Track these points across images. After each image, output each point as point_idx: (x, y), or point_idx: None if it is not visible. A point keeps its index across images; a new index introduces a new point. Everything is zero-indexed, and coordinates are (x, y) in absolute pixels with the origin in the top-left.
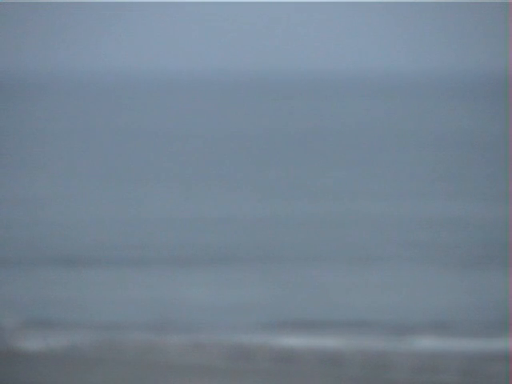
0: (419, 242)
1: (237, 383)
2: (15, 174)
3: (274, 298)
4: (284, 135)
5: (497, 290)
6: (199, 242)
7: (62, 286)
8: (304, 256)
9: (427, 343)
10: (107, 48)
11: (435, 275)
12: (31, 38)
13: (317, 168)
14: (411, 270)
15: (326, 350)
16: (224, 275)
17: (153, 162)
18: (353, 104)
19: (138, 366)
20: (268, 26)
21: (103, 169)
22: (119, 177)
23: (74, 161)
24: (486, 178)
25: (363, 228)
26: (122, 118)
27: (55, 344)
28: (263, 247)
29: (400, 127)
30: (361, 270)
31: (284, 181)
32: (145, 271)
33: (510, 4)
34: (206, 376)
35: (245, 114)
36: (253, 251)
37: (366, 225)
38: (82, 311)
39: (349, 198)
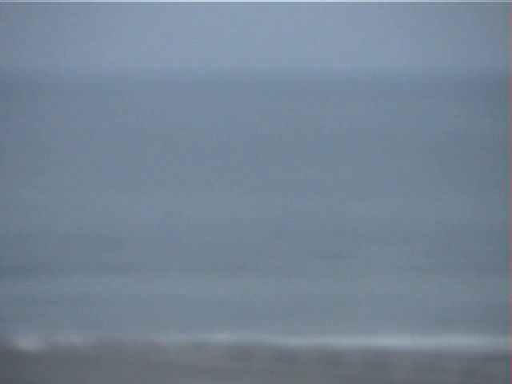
0: (417, 243)
1: (237, 383)
2: (15, 176)
3: (275, 298)
4: (285, 135)
5: (497, 290)
6: (198, 244)
7: (64, 289)
8: (305, 257)
9: (427, 343)
10: (107, 48)
11: (434, 276)
12: (31, 38)
13: (316, 168)
14: (410, 270)
15: (325, 350)
16: (226, 276)
17: (152, 163)
18: (353, 104)
19: (138, 366)
20: (268, 26)
21: (103, 171)
22: (119, 178)
23: (75, 163)
24: (486, 178)
25: (362, 229)
26: (122, 118)
27: (55, 344)
28: (264, 248)
29: (399, 127)
30: (356, 272)
31: (284, 181)
32: (144, 274)
33: (510, 4)
34: (206, 376)
35: (244, 113)
36: (254, 252)
37: (364, 226)
38: (82, 312)
39: (349, 198)
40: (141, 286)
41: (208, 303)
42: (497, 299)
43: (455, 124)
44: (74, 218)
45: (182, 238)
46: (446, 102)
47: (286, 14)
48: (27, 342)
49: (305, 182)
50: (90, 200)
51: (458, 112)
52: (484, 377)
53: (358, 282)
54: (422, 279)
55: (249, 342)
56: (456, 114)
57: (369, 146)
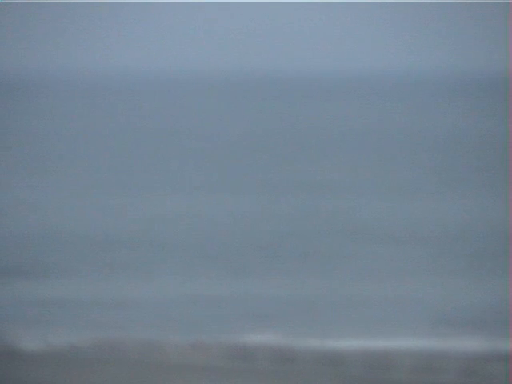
0: (417, 244)
1: (237, 383)
2: (15, 176)
3: (275, 299)
4: (285, 135)
5: (497, 291)
6: (198, 244)
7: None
8: (306, 258)
9: (428, 344)
10: (107, 48)
11: (434, 276)
12: (31, 38)
13: (317, 168)
14: (409, 269)
15: (326, 350)
16: (227, 277)
17: (153, 163)
18: (353, 104)
19: (138, 366)
20: (268, 26)
21: (103, 171)
22: (119, 179)
23: (75, 163)
24: (486, 178)
25: (362, 230)
26: (122, 118)
27: (55, 344)
28: (264, 248)
29: (399, 127)
30: (359, 275)
31: (285, 181)
32: (145, 275)
33: (510, 4)
34: (206, 376)
35: (244, 113)
36: (254, 253)
37: (365, 226)
38: (82, 312)
39: (350, 198)
40: (141, 286)
41: (208, 303)
42: (497, 300)
43: (455, 124)
44: (74, 219)
45: (182, 239)
46: (446, 102)
47: (286, 14)
48: (27, 342)
49: (306, 182)
50: (90, 201)
51: (458, 112)
52: (484, 377)
53: (358, 283)
54: (422, 280)
55: (249, 342)
56: (456, 113)
57: (369, 145)
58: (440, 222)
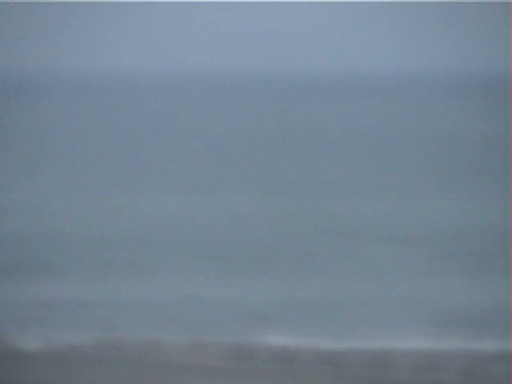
0: (416, 244)
1: (237, 383)
2: (15, 176)
3: (276, 299)
4: (285, 135)
5: (497, 291)
6: (198, 244)
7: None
8: (306, 258)
9: (427, 343)
10: (107, 48)
11: (434, 275)
12: (31, 38)
13: (317, 168)
14: (409, 269)
15: (325, 350)
16: (227, 277)
17: (152, 163)
18: (352, 104)
19: (138, 366)
20: (268, 26)
21: (104, 171)
22: (120, 178)
23: (75, 163)
24: (485, 178)
25: (361, 230)
26: (122, 118)
27: (55, 344)
28: (264, 248)
29: (399, 127)
30: (358, 273)
31: (287, 181)
32: (145, 275)
33: (510, 4)
34: (206, 376)
35: (244, 113)
36: (253, 253)
37: (364, 226)
38: (82, 312)
39: (349, 198)
40: (141, 286)
41: (208, 303)
42: (497, 300)
43: (455, 124)
44: (74, 219)
45: (182, 239)
46: (446, 102)
47: (286, 14)
48: (27, 342)
49: (306, 182)
50: (90, 200)
51: (458, 112)
52: (484, 377)
53: (358, 283)
54: (422, 280)
55: (249, 342)
56: (456, 113)
57: (369, 145)
58: (440, 222)
